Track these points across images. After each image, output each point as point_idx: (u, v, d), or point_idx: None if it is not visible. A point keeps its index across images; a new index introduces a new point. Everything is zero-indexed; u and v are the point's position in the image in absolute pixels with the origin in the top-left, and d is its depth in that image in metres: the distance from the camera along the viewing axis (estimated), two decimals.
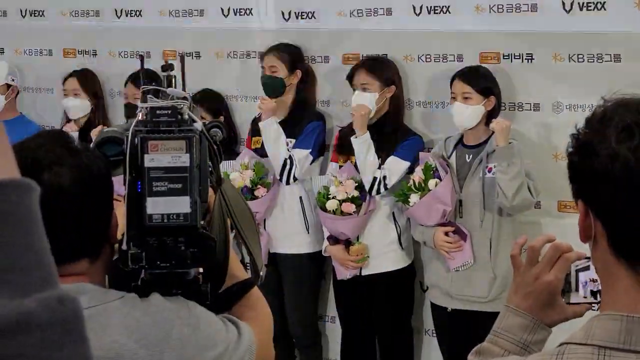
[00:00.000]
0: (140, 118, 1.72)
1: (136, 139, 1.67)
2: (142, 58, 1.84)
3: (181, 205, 1.65)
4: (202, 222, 1.73)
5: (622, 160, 1.25)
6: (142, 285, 1.71)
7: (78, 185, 1.64)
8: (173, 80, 1.78)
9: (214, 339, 1.71)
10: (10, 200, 0.84)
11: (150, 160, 1.65)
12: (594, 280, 1.53)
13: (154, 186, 1.65)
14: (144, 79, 1.81)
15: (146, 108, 1.71)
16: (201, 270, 1.76)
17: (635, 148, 1.25)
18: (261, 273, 1.94)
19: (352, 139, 4.52)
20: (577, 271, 1.56)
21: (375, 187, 4.51)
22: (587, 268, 1.54)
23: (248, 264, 2.00)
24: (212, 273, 1.79)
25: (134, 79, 5.07)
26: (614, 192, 1.27)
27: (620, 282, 1.29)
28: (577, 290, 1.57)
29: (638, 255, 1.29)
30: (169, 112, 1.70)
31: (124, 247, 1.68)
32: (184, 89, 1.78)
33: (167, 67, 1.80)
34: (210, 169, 1.78)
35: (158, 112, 1.70)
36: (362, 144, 4.49)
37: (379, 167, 4.50)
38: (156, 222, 1.65)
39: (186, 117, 1.72)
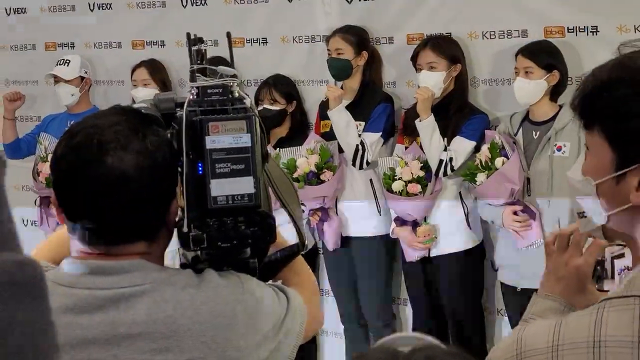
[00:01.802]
0: (191, 97, 1.71)
1: (194, 120, 1.66)
2: (189, 36, 1.81)
3: (245, 185, 1.66)
4: None
5: None
6: (194, 262, 1.71)
7: (140, 172, 1.63)
8: (205, 54, 1.77)
9: (267, 310, 1.73)
10: None
11: (212, 141, 1.65)
12: (628, 268, 1.51)
13: (217, 168, 1.65)
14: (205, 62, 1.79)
15: (197, 87, 1.71)
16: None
17: None
18: (306, 242, 1.95)
19: (417, 122, 4.49)
20: (613, 258, 1.55)
21: (442, 169, 4.49)
22: (622, 255, 1.53)
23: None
24: (262, 248, 1.79)
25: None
26: None
27: None
28: (612, 277, 1.56)
29: None
30: (220, 90, 1.70)
31: (185, 229, 1.68)
32: (232, 67, 1.76)
33: (197, 41, 1.77)
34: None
35: (209, 91, 1.70)
36: (427, 127, 4.47)
37: (445, 149, 4.47)
38: (221, 204, 1.65)
39: (237, 95, 1.72)
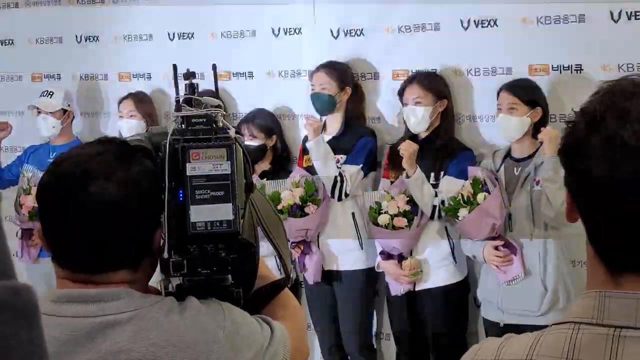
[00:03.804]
0: (175, 127, 1.74)
1: (176, 148, 1.69)
2: (175, 67, 1.85)
3: (224, 212, 1.68)
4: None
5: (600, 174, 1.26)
6: (178, 291, 1.73)
7: (123, 201, 1.66)
8: (196, 88, 1.80)
9: (250, 339, 1.73)
10: None
11: (192, 168, 1.68)
12: None
13: (196, 194, 1.67)
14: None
15: (181, 117, 1.75)
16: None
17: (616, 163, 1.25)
18: (291, 275, 1.96)
19: (405, 179, 4.52)
20: None
21: (437, 213, 4.52)
22: None
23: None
24: (243, 277, 1.81)
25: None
26: (590, 200, 1.29)
27: (598, 269, 1.32)
28: None
29: (613, 263, 1.30)
30: (204, 120, 1.73)
31: (165, 255, 1.71)
32: (217, 97, 1.80)
33: (190, 75, 1.82)
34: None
35: (194, 120, 1.73)
36: (416, 181, 4.49)
37: (436, 195, 4.50)
38: (200, 230, 1.67)
39: (221, 124, 1.75)
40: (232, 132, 1.75)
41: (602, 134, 1.27)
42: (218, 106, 1.76)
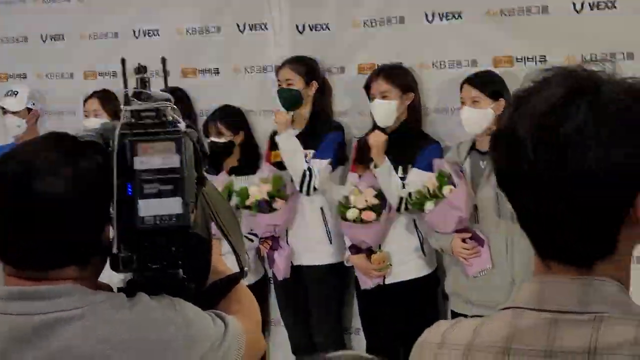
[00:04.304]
0: (124, 121, 1.72)
1: (124, 142, 1.67)
2: (123, 61, 1.84)
3: (173, 206, 1.66)
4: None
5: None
6: (129, 286, 1.71)
7: (70, 196, 1.64)
8: (147, 82, 1.78)
9: (202, 335, 1.72)
10: None
11: (141, 162, 1.66)
12: None
13: (145, 188, 1.66)
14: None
15: (130, 111, 1.72)
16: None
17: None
18: (245, 268, 1.94)
19: (373, 169, 4.52)
20: None
21: (403, 205, 4.52)
22: None
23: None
24: (196, 272, 1.79)
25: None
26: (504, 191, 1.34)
27: (536, 257, 1.36)
28: None
29: (539, 251, 1.34)
30: (154, 114, 1.71)
31: (114, 250, 1.68)
32: (166, 91, 1.79)
33: (141, 70, 1.80)
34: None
35: (142, 114, 1.71)
36: (384, 172, 4.49)
37: (403, 186, 4.49)
38: (148, 224, 1.66)
39: (170, 118, 1.73)
40: (182, 126, 1.73)
41: (502, 126, 1.31)
42: (168, 100, 1.74)
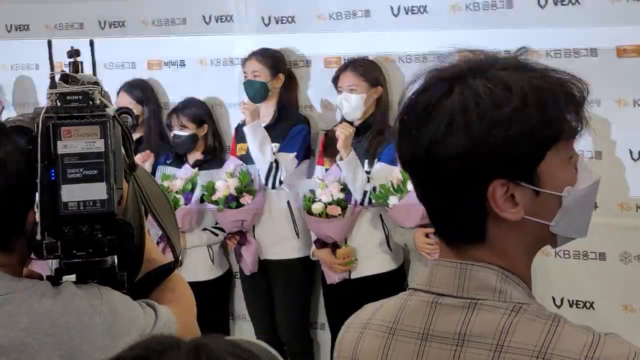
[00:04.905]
0: (50, 104, 1.69)
1: (47, 125, 1.64)
2: (49, 43, 1.82)
3: (97, 191, 1.63)
4: (120, 207, 1.71)
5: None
6: (57, 274, 1.68)
7: None
8: (80, 65, 1.76)
9: (130, 324, 1.69)
10: None
11: (64, 146, 1.63)
12: None
13: (68, 173, 1.63)
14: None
15: (56, 94, 1.69)
16: (116, 258, 1.74)
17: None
18: (179, 257, 1.92)
19: (339, 161, 4.49)
20: None
21: (367, 199, 4.50)
22: None
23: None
24: (129, 260, 1.77)
25: (128, 88, 5.10)
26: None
27: None
28: None
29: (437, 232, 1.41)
30: (80, 97, 1.68)
31: (38, 237, 1.65)
32: (94, 74, 1.76)
33: (73, 53, 1.78)
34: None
35: (69, 97, 1.68)
36: (350, 164, 4.46)
37: (368, 180, 4.47)
38: (72, 210, 1.62)
39: (98, 102, 1.69)
40: (110, 110, 1.69)
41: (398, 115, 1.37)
42: (95, 83, 1.71)
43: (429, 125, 1.29)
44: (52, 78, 1.73)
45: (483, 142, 1.26)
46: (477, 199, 1.29)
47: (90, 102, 1.68)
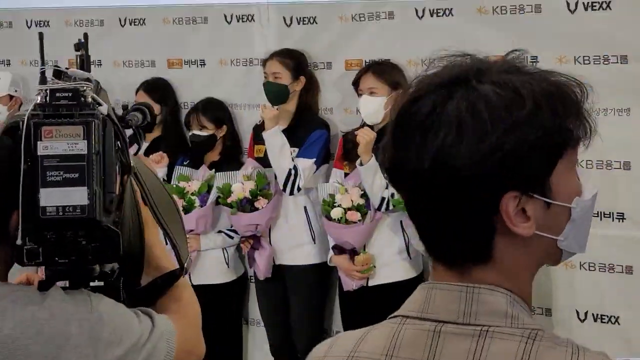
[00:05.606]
0: (38, 101, 1.59)
1: (30, 124, 1.54)
2: (41, 35, 1.72)
3: (78, 196, 1.53)
4: (117, 213, 1.62)
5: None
6: (47, 280, 1.60)
7: None
8: (86, 60, 1.68)
9: (121, 333, 1.60)
10: None
11: (44, 147, 1.53)
12: None
13: (48, 176, 1.53)
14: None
15: (45, 90, 1.58)
16: (117, 264, 1.67)
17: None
18: (185, 264, 1.83)
19: (359, 166, 4.41)
20: None
21: (384, 205, 4.41)
22: None
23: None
24: (128, 267, 1.69)
25: (146, 87, 5.05)
26: None
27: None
28: None
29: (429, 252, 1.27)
30: (70, 94, 1.57)
31: (19, 241, 1.56)
32: (88, 70, 1.66)
33: (81, 47, 1.69)
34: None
35: (58, 94, 1.57)
36: (369, 170, 4.37)
37: (387, 186, 4.38)
38: (50, 215, 1.52)
39: (89, 100, 1.58)
40: (103, 109, 1.58)
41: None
42: (88, 79, 1.60)
43: (435, 133, 1.17)
44: (43, 73, 1.62)
45: (498, 148, 1.15)
46: (488, 212, 1.18)
47: (82, 100, 1.57)
